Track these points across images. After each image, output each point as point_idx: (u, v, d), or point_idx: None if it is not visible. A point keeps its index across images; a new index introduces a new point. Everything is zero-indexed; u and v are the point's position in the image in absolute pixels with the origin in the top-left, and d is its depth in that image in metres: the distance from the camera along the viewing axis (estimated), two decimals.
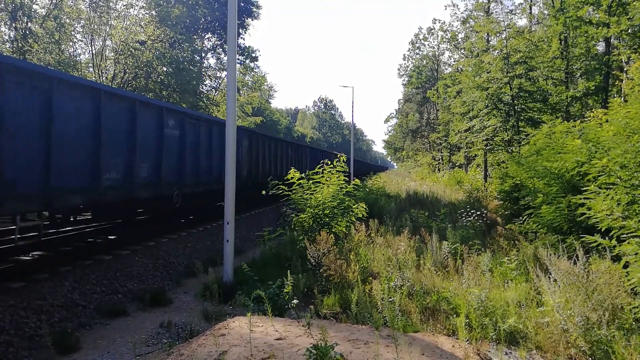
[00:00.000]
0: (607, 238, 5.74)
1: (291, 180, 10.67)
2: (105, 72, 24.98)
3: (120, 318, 6.69)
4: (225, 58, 29.83)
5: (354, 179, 12.45)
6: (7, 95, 6.07)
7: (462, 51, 39.23)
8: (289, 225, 11.21)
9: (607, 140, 7.20)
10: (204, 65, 34.44)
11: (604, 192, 6.34)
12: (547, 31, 23.65)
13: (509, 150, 21.01)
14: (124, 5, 24.84)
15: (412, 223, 12.12)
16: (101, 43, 24.74)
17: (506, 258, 7.78)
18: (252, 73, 44.22)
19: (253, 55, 38.86)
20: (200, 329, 5.89)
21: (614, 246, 5.60)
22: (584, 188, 6.92)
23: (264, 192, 11.12)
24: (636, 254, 5.28)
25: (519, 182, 12.15)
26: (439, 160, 53.73)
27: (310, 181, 10.54)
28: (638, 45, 17.70)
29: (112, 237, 10.04)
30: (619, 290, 5.03)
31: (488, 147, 23.22)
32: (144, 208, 11.51)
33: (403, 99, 69.81)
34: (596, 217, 6.20)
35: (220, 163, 12.87)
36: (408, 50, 69.43)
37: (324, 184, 10.43)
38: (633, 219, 5.71)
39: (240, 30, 35.19)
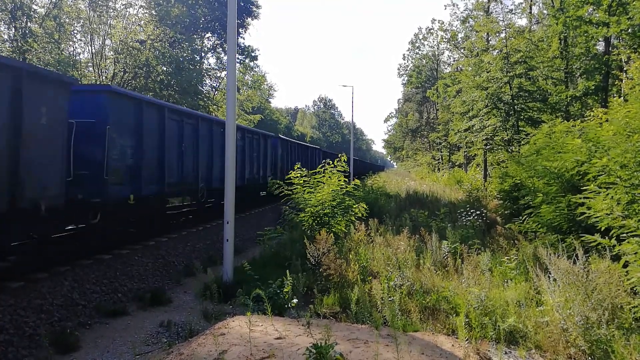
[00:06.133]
0: (606, 237, 5.74)
1: (291, 180, 10.67)
2: (105, 72, 24.94)
3: (120, 317, 6.69)
4: (225, 58, 29.78)
5: (353, 179, 12.45)
6: None
7: (461, 51, 39.19)
8: (289, 224, 11.22)
9: (607, 140, 7.21)
10: (204, 65, 34.40)
11: (603, 192, 6.33)
12: (547, 31, 23.62)
13: (509, 150, 20.99)
14: (123, 5, 24.82)
15: (411, 222, 12.12)
16: (100, 42, 24.69)
17: (506, 257, 7.77)
18: (252, 72, 44.13)
19: (253, 54, 38.77)
20: (200, 328, 5.89)
21: (614, 245, 5.60)
22: (584, 187, 6.91)
23: None
24: (636, 253, 5.28)
25: (518, 181, 12.15)
26: (438, 159, 53.73)
27: (310, 181, 10.55)
28: (638, 44, 17.68)
29: None
30: (619, 289, 5.04)
31: (488, 147, 23.19)
32: None
33: (403, 99, 69.87)
34: (596, 217, 6.19)
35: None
36: (408, 50, 69.56)
37: (324, 182, 10.42)
38: (633, 218, 5.71)
39: (240, 30, 35.09)
